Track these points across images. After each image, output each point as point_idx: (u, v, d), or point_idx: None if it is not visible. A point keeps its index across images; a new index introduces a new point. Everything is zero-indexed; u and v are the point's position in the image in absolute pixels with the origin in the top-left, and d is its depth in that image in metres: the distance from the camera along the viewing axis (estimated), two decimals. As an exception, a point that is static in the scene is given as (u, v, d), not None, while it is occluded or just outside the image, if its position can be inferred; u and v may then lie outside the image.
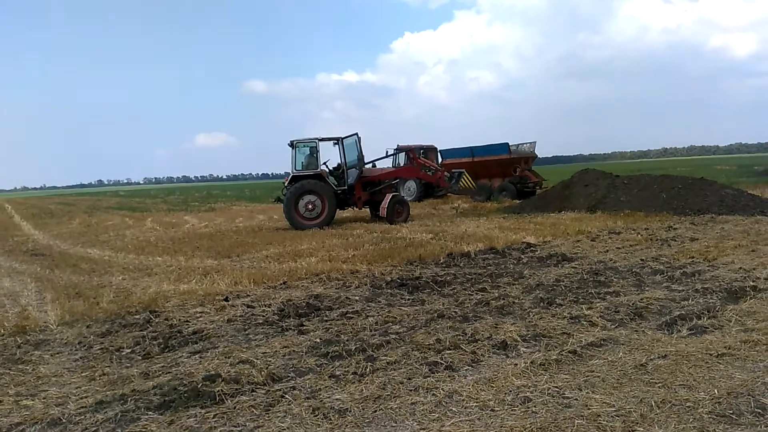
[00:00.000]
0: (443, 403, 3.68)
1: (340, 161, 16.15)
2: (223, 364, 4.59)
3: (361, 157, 16.32)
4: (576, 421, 3.31)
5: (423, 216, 17.32)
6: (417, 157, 18.54)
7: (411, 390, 3.92)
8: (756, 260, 7.71)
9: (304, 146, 15.87)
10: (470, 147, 24.00)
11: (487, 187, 22.64)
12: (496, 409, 3.56)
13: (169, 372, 4.52)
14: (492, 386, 3.91)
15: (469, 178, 16.99)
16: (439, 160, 25.14)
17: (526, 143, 23.88)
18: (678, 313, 5.35)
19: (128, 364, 4.78)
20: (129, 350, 5.17)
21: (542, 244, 10.25)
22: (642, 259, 8.18)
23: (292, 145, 15.80)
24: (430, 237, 11.92)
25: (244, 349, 4.98)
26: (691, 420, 3.29)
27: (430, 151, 25.66)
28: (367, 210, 17.18)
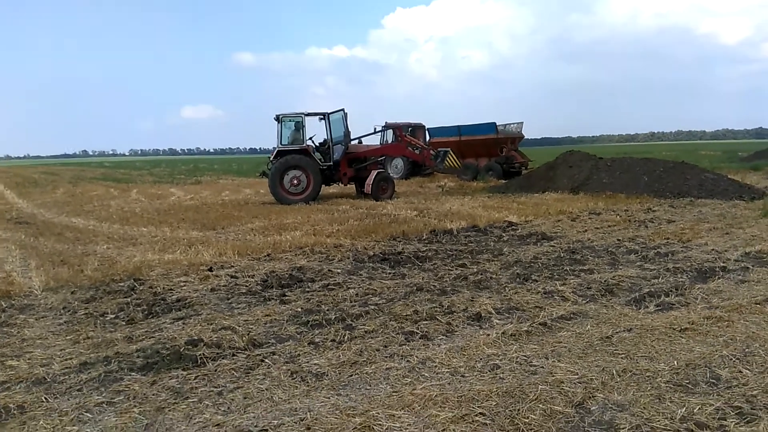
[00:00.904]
0: (416, 369, 3.85)
1: (326, 137, 16.13)
2: (205, 330, 4.72)
3: (347, 133, 16.30)
4: (540, 387, 3.49)
5: (409, 193, 17.44)
6: (404, 135, 18.59)
7: (386, 356, 4.09)
8: (729, 242, 7.95)
9: (290, 121, 15.82)
10: (458, 126, 24.05)
11: (474, 167, 22.76)
12: (466, 374, 3.74)
13: (152, 336, 4.64)
14: (464, 354, 4.08)
15: (455, 157, 17.12)
16: (427, 138, 25.18)
17: (514, 123, 23.97)
18: (647, 290, 5.56)
19: (112, 329, 4.89)
20: (113, 316, 5.28)
21: (524, 223, 10.44)
22: (619, 239, 8.39)
23: (278, 119, 15.73)
24: (414, 214, 12.06)
25: (227, 317, 5.11)
26: (649, 388, 3.48)
27: (418, 129, 25.67)
28: (353, 186, 17.26)
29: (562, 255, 7.40)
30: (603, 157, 17.43)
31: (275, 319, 5.02)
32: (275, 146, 15.86)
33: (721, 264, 6.58)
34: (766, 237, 8.25)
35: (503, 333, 4.46)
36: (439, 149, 17.97)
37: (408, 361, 3.99)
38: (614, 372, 3.69)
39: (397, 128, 19.59)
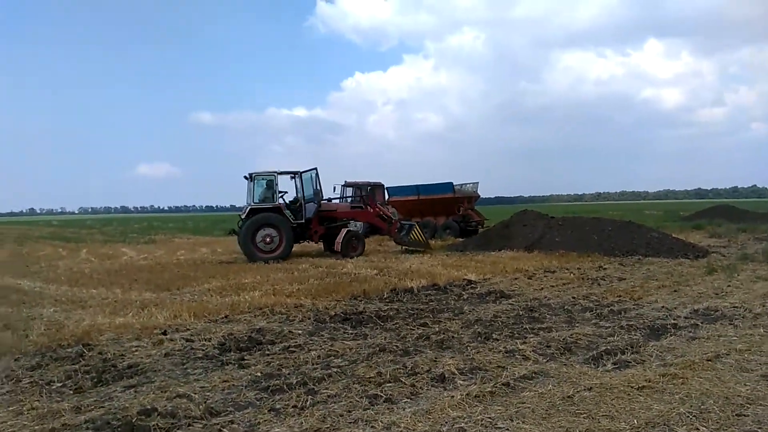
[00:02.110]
0: (381, 435, 3.77)
1: (297, 195, 16.28)
2: (159, 399, 4.51)
3: (319, 191, 16.55)
4: (506, 450, 3.47)
5: (369, 252, 17.45)
6: (375, 204, 18.88)
7: (350, 422, 4.00)
8: (677, 300, 8.27)
9: (262, 179, 15.98)
10: (416, 185, 24.54)
11: (432, 225, 23.12)
12: (432, 439, 3.69)
13: (102, 406, 4.40)
14: (429, 418, 4.03)
15: (420, 232, 17.33)
16: (386, 197, 25.52)
17: (470, 183, 24.66)
18: (604, 348, 5.68)
19: (59, 399, 4.61)
20: (60, 384, 4.99)
21: (482, 281, 10.59)
22: (574, 297, 8.61)
23: (250, 177, 15.86)
24: (374, 272, 12.07)
25: (182, 384, 4.91)
26: (611, 447, 3.51)
27: (377, 187, 26.03)
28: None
29: (521, 313, 7.52)
30: (555, 216, 18.05)
31: (233, 384, 4.86)
32: (246, 204, 15.89)
33: (672, 321, 6.81)
34: (712, 294, 8.63)
35: (467, 394, 4.44)
36: (403, 222, 18.21)
37: (372, 426, 3.91)
38: (577, 432, 3.71)
39: (368, 197, 19.74)
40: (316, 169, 16.42)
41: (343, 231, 16.15)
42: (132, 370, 5.37)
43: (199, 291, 10.12)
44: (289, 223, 15.62)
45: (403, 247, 18.13)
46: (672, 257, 13.51)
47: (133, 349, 6.19)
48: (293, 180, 16.23)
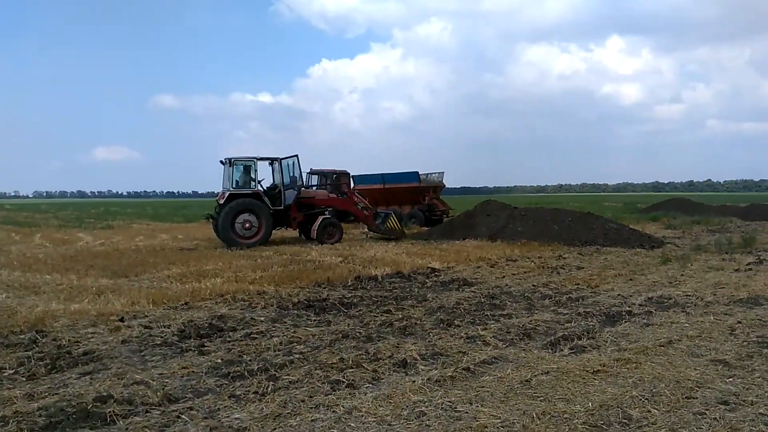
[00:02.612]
0: (342, 419, 3.78)
1: (275, 181, 16.28)
2: (115, 385, 4.41)
3: (298, 178, 16.59)
4: (465, 432, 3.53)
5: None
6: (353, 193, 18.86)
7: (312, 407, 3.99)
8: (633, 288, 8.53)
9: (241, 164, 15.88)
10: (382, 174, 24.54)
11: (398, 214, 23.20)
12: (393, 423, 3.72)
13: (56, 393, 4.28)
14: (390, 402, 4.07)
15: (396, 220, 17.48)
16: (352, 185, 25.45)
17: (435, 173, 24.80)
18: (562, 334, 5.83)
19: (10, 386, 4.46)
20: (12, 371, 4.82)
21: (446, 269, 10.70)
22: (534, 285, 8.79)
23: (229, 162, 15.73)
24: (339, 260, 12.04)
25: (139, 371, 4.81)
26: (567, 430, 3.61)
27: (343, 176, 25.90)
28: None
29: (482, 300, 7.63)
30: (517, 206, 18.34)
31: (193, 371, 4.79)
32: (223, 189, 15.79)
33: (627, 308, 7.03)
34: (666, 283, 8.94)
35: (428, 379, 4.50)
36: (380, 211, 18.28)
37: (334, 411, 3.92)
38: (534, 415, 3.80)
39: (347, 185, 19.77)
40: (297, 156, 16.38)
41: (319, 218, 16.23)
42: (88, 357, 5.23)
43: (159, 278, 9.90)
44: (269, 209, 15.60)
45: (369, 235, 18.16)
46: (628, 247, 13.91)
47: (89, 335, 6.03)
48: (271, 166, 16.25)
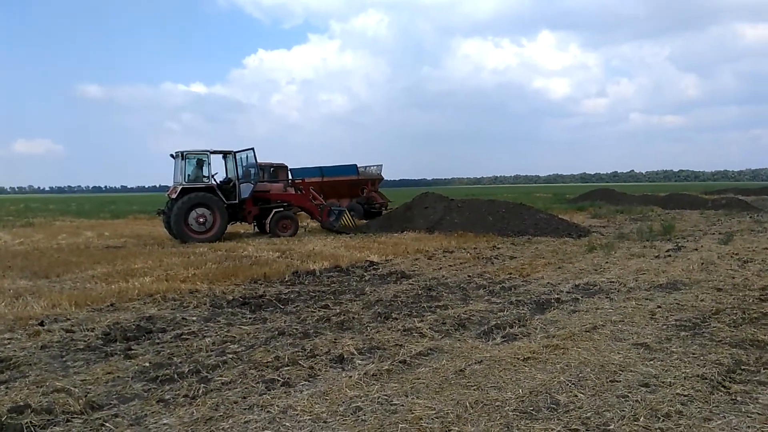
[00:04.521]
0: (277, 419, 3.72)
1: (229, 175, 16.04)
2: (33, 394, 4.14)
3: (255, 172, 16.45)
4: (400, 426, 3.55)
5: (269, 234, 17.11)
6: (310, 189, 18.62)
7: (245, 409, 3.90)
8: (561, 276, 8.88)
9: (194, 158, 15.52)
10: (320, 167, 24.31)
11: (350, 208, 23.09)
12: (329, 420, 3.69)
13: (-36, 407, 3.96)
14: (326, 399, 4.03)
15: (350, 217, 17.47)
16: (290, 178, 25.06)
17: (374, 166, 24.82)
18: (494, 323, 5.98)
19: None
20: None
21: (384, 262, 10.75)
22: (469, 276, 8.98)
23: (180, 155, 15.34)
24: (276, 255, 11.85)
25: (60, 377, 4.55)
26: (498, 417, 3.70)
27: (280, 169, 25.44)
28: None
29: (419, 292, 7.71)
30: (454, 198, 18.67)
31: (119, 376, 4.57)
32: (174, 183, 15.43)
33: (556, 296, 7.31)
34: (592, 270, 9.36)
35: (365, 373, 4.49)
36: (333, 207, 18.15)
37: (268, 411, 3.84)
38: (467, 404, 3.88)
39: (301, 181, 19.59)
40: (252, 149, 16.18)
41: (273, 212, 16.18)
42: (3, 365, 4.91)
43: (82, 278, 9.39)
44: (223, 204, 15.33)
45: (306, 229, 17.97)
46: (558, 236, 14.48)
47: (6, 342, 5.67)
48: (225, 159, 16.01)
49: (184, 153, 15.42)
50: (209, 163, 15.69)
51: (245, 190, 16.04)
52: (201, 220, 15.02)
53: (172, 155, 15.70)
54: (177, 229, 14.96)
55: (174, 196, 15.12)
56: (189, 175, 15.46)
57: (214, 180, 15.84)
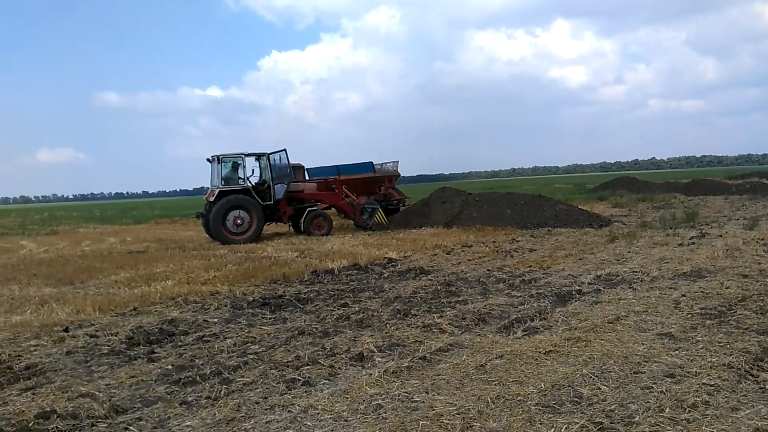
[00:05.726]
0: (298, 419, 3.73)
1: (263, 176, 16.37)
2: (59, 400, 4.21)
3: (289, 172, 16.76)
4: (421, 423, 3.53)
5: (289, 234, 17.24)
6: (342, 188, 18.69)
7: (266, 409, 3.92)
8: (582, 267, 8.76)
9: (229, 161, 15.91)
10: (336, 166, 24.33)
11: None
12: (350, 418, 3.69)
13: (-7, 413, 4.05)
14: (347, 397, 4.03)
15: (383, 214, 17.51)
16: (307, 178, 25.14)
17: (390, 162, 24.72)
18: (515, 316, 5.92)
19: (-59, 410, 4.19)
20: (-58, 394, 4.53)
21: (403, 258, 10.72)
22: (488, 270, 8.91)
23: (216, 159, 15.71)
24: (295, 255, 11.91)
25: (85, 383, 4.61)
26: (520, 412, 3.66)
27: (297, 169, 25.49)
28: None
29: (438, 288, 7.68)
30: (472, 192, 18.56)
31: (142, 380, 4.62)
32: (211, 186, 15.85)
33: (577, 288, 7.21)
34: (613, 260, 9.22)
35: (385, 371, 4.48)
36: (366, 206, 18.15)
37: (289, 411, 3.85)
38: (489, 399, 3.84)
39: (334, 181, 19.58)
40: (285, 150, 16.44)
41: (306, 211, 16.38)
42: (30, 372, 4.98)
43: (106, 283, 9.54)
44: (259, 205, 15.68)
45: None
46: (578, 227, 14.30)
47: (32, 348, 5.75)
48: (258, 161, 16.33)
49: (220, 156, 15.79)
50: (244, 166, 16.04)
51: (279, 190, 16.32)
52: (239, 221, 15.36)
53: (208, 159, 16.10)
54: (216, 232, 15.33)
55: (212, 199, 15.49)
56: (224, 178, 15.79)
57: (250, 182, 16.11)
